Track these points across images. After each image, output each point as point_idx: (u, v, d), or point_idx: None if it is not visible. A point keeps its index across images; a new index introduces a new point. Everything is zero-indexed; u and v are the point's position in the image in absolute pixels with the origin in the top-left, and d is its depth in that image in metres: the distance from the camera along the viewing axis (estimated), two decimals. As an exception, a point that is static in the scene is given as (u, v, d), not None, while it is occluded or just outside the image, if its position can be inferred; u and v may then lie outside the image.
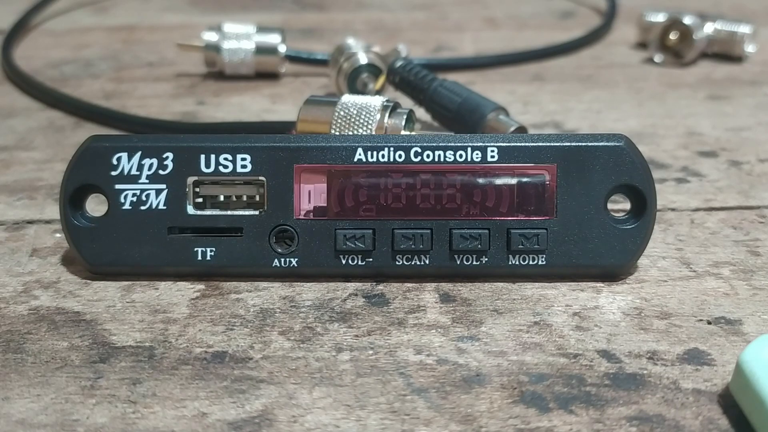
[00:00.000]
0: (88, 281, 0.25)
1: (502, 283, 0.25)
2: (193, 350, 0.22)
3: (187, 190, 0.25)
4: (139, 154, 0.25)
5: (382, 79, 0.39)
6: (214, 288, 0.25)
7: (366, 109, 0.30)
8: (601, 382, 0.21)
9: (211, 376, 0.21)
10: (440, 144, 0.24)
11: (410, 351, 0.22)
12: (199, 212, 0.25)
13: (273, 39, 0.45)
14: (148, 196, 0.25)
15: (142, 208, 0.25)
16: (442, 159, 0.24)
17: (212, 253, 0.25)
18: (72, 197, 0.25)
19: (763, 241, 0.28)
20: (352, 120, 0.30)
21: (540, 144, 0.24)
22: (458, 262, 0.25)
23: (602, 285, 0.25)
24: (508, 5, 0.63)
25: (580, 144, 0.24)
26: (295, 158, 0.24)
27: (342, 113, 0.31)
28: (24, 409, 0.20)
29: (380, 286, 0.25)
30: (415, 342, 0.22)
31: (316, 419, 0.20)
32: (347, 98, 0.31)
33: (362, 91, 0.40)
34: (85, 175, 0.25)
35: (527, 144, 0.24)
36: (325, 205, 0.25)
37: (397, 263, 0.25)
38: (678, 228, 0.29)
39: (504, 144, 0.24)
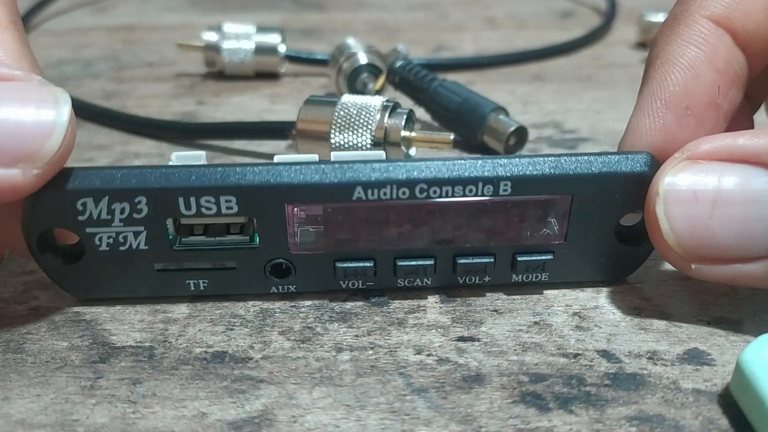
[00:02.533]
0: (88, 281, 0.25)
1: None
2: (193, 350, 0.22)
3: (169, 229, 0.22)
4: (106, 199, 0.21)
5: (382, 79, 0.39)
6: (214, 288, 0.25)
7: (366, 109, 0.30)
8: (601, 382, 0.21)
9: (211, 376, 0.21)
10: (448, 178, 0.22)
11: (410, 351, 0.22)
12: (185, 249, 0.23)
13: (273, 39, 0.45)
14: (125, 238, 0.22)
15: (122, 248, 0.22)
16: (449, 195, 0.22)
17: (205, 284, 0.24)
18: (39, 241, 0.22)
19: (763, 241, 0.28)
20: (352, 120, 0.30)
21: (557, 174, 0.22)
22: (460, 282, 0.24)
23: (602, 285, 0.25)
24: (508, 5, 0.63)
25: (600, 172, 0.22)
26: (287, 198, 0.22)
27: (342, 113, 0.31)
28: (24, 409, 0.20)
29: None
30: (415, 342, 0.22)
31: (316, 419, 0.20)
32: (347, 98, 0.31)
33: (362, 91, 0.40)
34: (49, 221, 0.22)
35: (544, 175, 0.22)
36: (323, 238, 0.23)
37: (398, 285, 0.24)
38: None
39: (518, 175, 0.22)
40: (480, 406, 0.20)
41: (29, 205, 0.22)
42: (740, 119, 0.25)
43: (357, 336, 0.23)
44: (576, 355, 0.22)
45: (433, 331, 0.23)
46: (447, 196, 0.22)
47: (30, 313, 0.24)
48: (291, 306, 0.24)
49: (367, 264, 0.23)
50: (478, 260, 0.24)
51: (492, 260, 0.24)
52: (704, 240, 0.21)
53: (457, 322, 0.23)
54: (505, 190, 0.22)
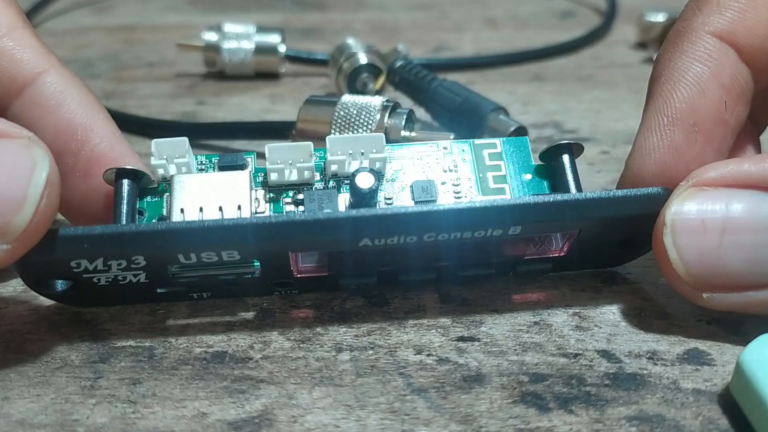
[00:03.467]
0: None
1: (502, 283, 0.25)
2: (193, 350, 0.22)
3: (169, 271, 0.22)
4: (101, 259, 0.21)
5: (382, 79, 0.39)
6: (214, 288, 0.25)
7: (366, 109, 0.30)
8: (601, 382, 0.21)
9: (211, 376, 0.21)
10: (457, 225, 0.21)
11: (410, 351, 0.22)
12: (187, 280, 0.23)
13: (273, 39, 0.45)
14: (125, 277, 0.22)
15: (122, 283, 0.22)
16: (459, 238, 0.21)
17: (208, 295, 0.24)
18: (35, 284, 0.22)
19: (763, 241, 0.28)
20: (352, 120, 0.30)
21: (569, 215, 0.21)
22: (461, 284, 0.25)
23: (602, 285, 0.25)
24: (508, 5, 0.63)
25: (614, 215, 0.21)
26: (291, 247, 0.21)
27: (342, 113, 0.31)
28: (24, 409, 0.20)
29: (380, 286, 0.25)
30: (415, 342, 0.22)
31: (316, 419, 0.19)
32: (347, 98, 0.31)
33: (362, 91, 0.40)
34: (42, 274, 0.22)
35: (556, 219, 0.21)
36: (326, 268, 0.23)
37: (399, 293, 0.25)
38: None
39: (528, 220, 0.21)
40: (480, 406, 0.20)
41: (19, 266, 0.21)
42: (745, 141, 0.25)
43: (357, 336, 0.23)
44: (576, 355, 0.22)
45: (433, 331, 0.23)
46: (456, 240, 0.21)
47: (30, 313, 0.24)
48: (291, 306, 0.24)
49: (371, 280, 0.24)
50: (480, 273, 0.24)
51: (492, 272, 0.24)
52: (714, 268, 0.21)
53: (457, 322, 0.23)
54: (514, 231, 0.21)
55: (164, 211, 0.23)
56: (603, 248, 0.24)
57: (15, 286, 0.25)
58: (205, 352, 0.22)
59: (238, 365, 0.21)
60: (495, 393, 0.20)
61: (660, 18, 0.49)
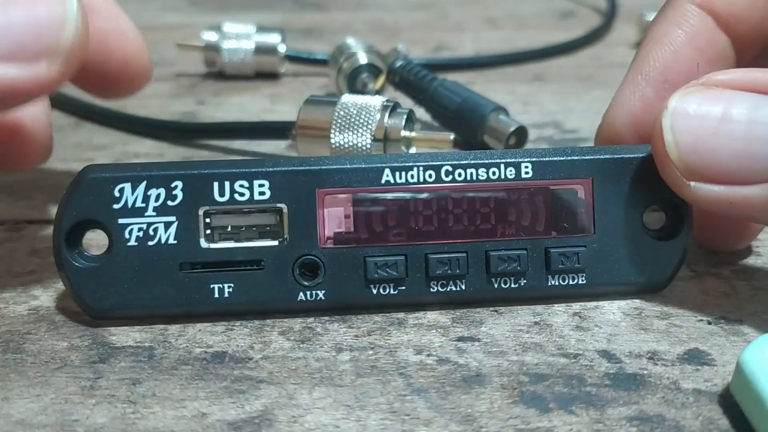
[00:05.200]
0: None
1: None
2: (192, 350, 0.22)
3: (200, 221, 0.22)
4: (144, 184, 0.22)
5: (382, 79, 0.39)
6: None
7: (366, 109, 0.30)
8: (602, 382, 0.21)
9: (211, 376, 0.21)
10: (472, 162, 0.23)
11: (410, 351, 0.22)
12: (213, 245, 0.23)
13: (273, 39, 0.45)
14: (156, 230, 0.22)
15: (150, 243, 0.22)
16: (474, 177, 0.23)
17: (230, 290, 0.23)
18: (68, 235, 0.22)
19: (764, 241, 0.28)
20: (352, 120, 0.30)
21: (575, 158, 0.23)
22: (496, 286, 0.23)
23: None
24: (508, 5, 0.63)
25: (615, 156, 0.23)
26: (318, 182, 0.23)
27: (342, 113, 0.31)
28: (24, 409, 0.20)
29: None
30: (415, 342, 0.22)
31: (316, 419, 0.19)
32: (347, 98, 0.31)
33: (362, 91, 0.40)
34: (84, 209, 0.22)
35: (562, 158, 0.23)
36: (353, 230, 0.23)
37: (431, 290, 0.23)
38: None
39: (538, 159, 0.23)
40: (480, 406, 0.20)
41: (69, 189, 0.22)
42: None
43: (357, 336, 0.23)
44: (576, 356, 0.22)
45: (433, 331, 0.23)
46: (472, 180, 0.23)
47: (30, 313, 0.24)
48: (291, 306, 0.24)
49: (399, 257, 0.23)
50: (511, 251, 0.23)
51: (524, 252, 0.23)
52: (706, 155, 0.21)
53: (457, 322, 0.23)
54: (526, 173, 0.23)
55: None
56: (631, 233, 0.23)
57: (15, 286, 0.25)
58: (205, 352, 0.22)
59: (238, 365, 0.21)
60: (495, 393, 0.20)
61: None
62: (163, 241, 0.22)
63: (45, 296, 0.25)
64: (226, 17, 0.54)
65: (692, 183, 0.21)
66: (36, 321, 0.23)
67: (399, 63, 0.38)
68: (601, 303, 0.24)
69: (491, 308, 0.24)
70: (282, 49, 0.45)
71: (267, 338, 0.23)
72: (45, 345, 0.22)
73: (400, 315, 0.24)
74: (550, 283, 0.23)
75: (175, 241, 0.22)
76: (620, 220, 0.23)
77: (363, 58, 0.40)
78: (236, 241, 0.23)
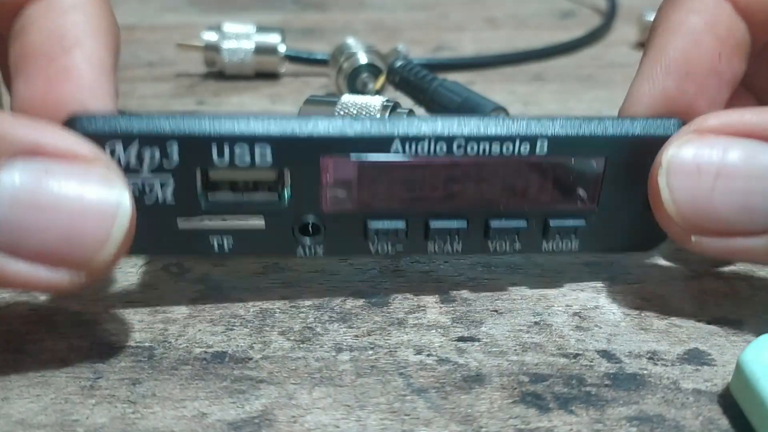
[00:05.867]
0: (88, 281, 0.25)
1: (502, 283, 0.25)
2: (192, 350, 0.22)
3: (198, 180, 0.22)
4: (136, 143, 0.21)
5: (382, 79, 0.39)
6: (214, 288, 0.25)
7: (366, 109, 0.30)
8: (602, 382, 0.21)
9: (211, 376, 0.21)
10: (486, 135, 0.22)
11: (410, 351, 0.22)
12: (213, 200, 0.22)
13: (273, 39, 0.45)
14: (152, 188, 0.21)
15: (147, 202, 0.22)
16: (487, 152, 0.22)
17: (230, 244, 0.23)
18: None
19: (764, 241, 0.28)
20: (352, 120, 0.30)
21: (593, 135, 0.22)
22: (491, 249, 0.24)
23: (602, 285, 0.25)
24: (508, 5, 0.63)
25: (634, 135, 0.22)
26: (323, 150, 0.22)
27: (342, 113, 0.30)
28: (23, 409, 0.20)
29: (381, 286, 0.25)
30: (415, 342, 0.22)
31: (316, 419, 0.19)
32: (347, 98, 0.31)
33: (362, 91, 0.40)
34: None
35: (580, 135, 0.22)
36: (356, 196, 0.23)
37: (428, 249, 0.24)
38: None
39: (555, 135, 0.22)
40: (480, 406, 0.20)
41: None
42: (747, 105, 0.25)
43: (357, 336, 0.23)
44: (576, 356, 0.22)
45: (433, 331, 0.23)
46: (484, 153, 0.22)
47: (30, 313, 0.24)
48: (291, 306, 0.24)
49: (399, 223, 0.23)
50: (512, 224, 0.23)
51: (525, 224, 0.23)
52: (705, 212, 0.21)
53: (457, 322, 0.23)
54: (542, 149, 0.22)
55: None
56: (634, 208, 0.23)
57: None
58: (205, 352, 0.22)
59: (237, 365, 0.21)
60: (495, 393, 0.20)
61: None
62: (159, 200, 0.22)
63: (45, 296, 0.25)
64: (226, 17, 0.54)
65: (694, 237, 0.21)
66: (36, 321, 0.23)
67: (399, 63, 0.38)
68: (601, 303, 0.24)
69: (491, 308, 0.24)
70: (282, 49, 0.45)
71: (267, 338, 0.23)
72: (45, 345, 0.22)
73: (400, 315, 0.24)
74: (543, 248, 0.24)
75: (173, 201, 0.22)
76: (626, 195, 0.23)
77: (363, 58, 0.40)
78: (237, 199, 0.22)
